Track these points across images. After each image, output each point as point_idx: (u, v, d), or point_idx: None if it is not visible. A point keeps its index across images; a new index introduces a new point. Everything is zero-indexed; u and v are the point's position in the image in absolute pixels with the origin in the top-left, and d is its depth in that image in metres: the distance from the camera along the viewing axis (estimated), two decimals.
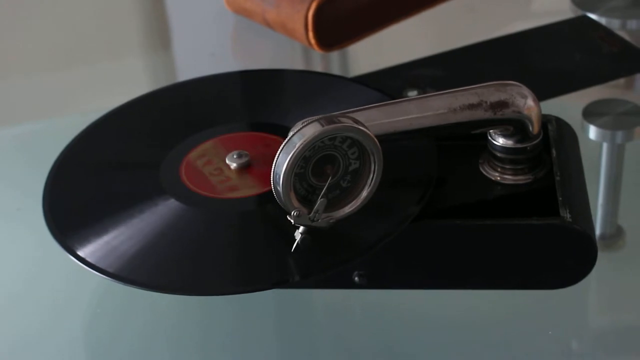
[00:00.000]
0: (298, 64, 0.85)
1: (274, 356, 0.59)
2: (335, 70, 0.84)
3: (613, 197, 0.67)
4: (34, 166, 0.72)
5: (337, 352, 0.60)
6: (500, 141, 0.59)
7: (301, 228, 0.54)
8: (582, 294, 0.60)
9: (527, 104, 0.57)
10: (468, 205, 0.59)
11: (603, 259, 0.58)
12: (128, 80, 0.85)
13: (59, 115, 0.82)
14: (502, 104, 0.57)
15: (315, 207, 0.54)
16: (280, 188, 0.53)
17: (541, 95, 0.59)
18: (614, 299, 0.62)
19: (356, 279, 0.58)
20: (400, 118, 0.56)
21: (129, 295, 0.59)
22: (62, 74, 0.87)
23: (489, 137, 0.59)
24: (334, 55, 0.83)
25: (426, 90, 0.68)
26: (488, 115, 0.57)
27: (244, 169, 0.60)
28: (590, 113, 0.69)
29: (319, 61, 0.85)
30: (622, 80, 0.77)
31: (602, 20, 0.79)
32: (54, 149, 0.64)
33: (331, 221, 0.55)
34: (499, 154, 0.59)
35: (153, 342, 0.60)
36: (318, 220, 0.54)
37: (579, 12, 0.80)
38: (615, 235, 0.66)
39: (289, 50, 0.85)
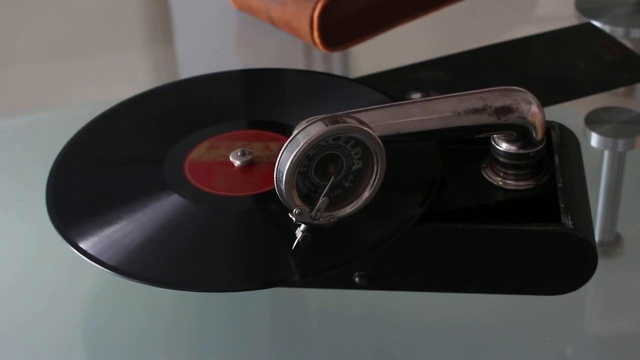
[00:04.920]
0: (299, 63, 0.85)
1: (271, 354, 0.59)
2: (337, 70, 0.84)
3: (612, 205, 0.67)
4: (35, 157, 0.72)
5: (334, 352, 0.60)
6: (503, 146, 0.59)
7: (302, 226, 0.54)
8: (580, 300, 0.60)
9: (532, 110, 0.57)
10: (470, 209, 0.59)
11: (601, 265, 0.58)
12: (130, 74, 0.85)
13: (60, 107, 0.81)
14: (507, 110, 0.57)
15: (317, 205, 0.54)
16: (283, 186, 0.53)
17: (543, 101, 0.59)
18: (612, 306, 0.62)
19: (357, 279, 0.58)
20: (405, 120, 0.56)
21: (129, 289, 0.59)
22: (65, 65, 0.87)
23: (492, 142, 0.59)
24: (335, 55, 0.83)
25: (429, 93, 0.68)
26: (492, 120, 0.57)
27: (247, 166, 0.60)
28: (593, 120, 0.69)
29: (321, 61, 0.84)
30: (623, 88, 0.77)
31: (606, 28, 0.79)
32: (54, 140, 0.64)
33: (332, 220, 0.55)
34: (501, 159, 0.59)
35: (150, 336, 0.60)
36: (319, 219, 0.54)
37: (583, 20, 0.80)
38: (613, 242, 0.66)
39: (290, 48, 0.85)
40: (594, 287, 0.59)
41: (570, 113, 0.72)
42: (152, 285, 0.54)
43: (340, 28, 0.80)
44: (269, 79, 0.68)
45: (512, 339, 0.59)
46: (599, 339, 0.60)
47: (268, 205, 0.57)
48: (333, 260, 0.54)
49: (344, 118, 0.54)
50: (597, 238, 0.63)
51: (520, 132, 0.58)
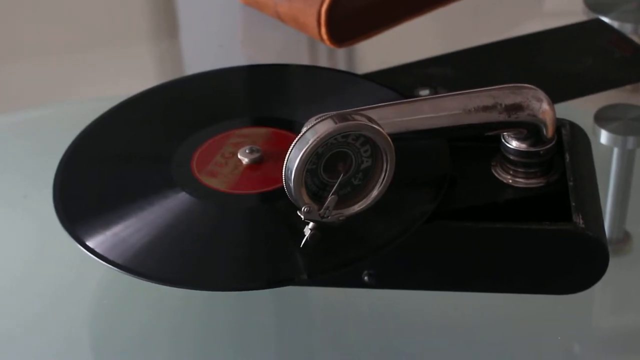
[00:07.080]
0: (303, 59, 0.85)
1: (277, 353, 0.59)
2: (342, 66, 0.84)
3: (621, 202, 0.67)
4: (40, 153, 0.72)
5: (341, 351, 0.59)
6: (513, 144, 0.59)
7: (311, 224, 0.54)
8: (589, 298, 0.60)
9: (542, 107, 0.57)
10: (479, 207, 0.58)
11: (610, 263, 0.58)
12: (134, 69, 0.85)
13: (64, 103, 0.81)
14: (517, 107, 0.57)
15: (326, 203, 0.54)
16: (291, 183, 0.53)
17: (551, 98, 0.59)
18: (620, 304, 0.62)
19: (365, 278, 0.58)
20: (414, 117, 0.56)
21: (135, 287, 0.59)
22: (69, 61, 0.87)
23: (503, 140, 0.59)
24: (341, 51, 0.83)
25: (438, 90, 0.68)
26: (502, 117, 0.57)
27: (256, 164, 0.59)
28: (602, 118, 0.68)
29: (326, 56, 0.84)
30: (631, 85, 0.76)
31: (615, 24, 0.78)
32: (59, 136, 0.64)
33: (341, 218, 0.54)
34: (512, 157, 0.59)
35: (157, 334, 0.60)
36: (328, 217, 0.54)
37: (592, 15, 0.79)
38: (622, 240, 0.65)
39: (295, 44, 0.85)
40: (603, 285, 0.59)
41: (578, 110, 0.71)
42: (160, 284, 0.54)
43: (347, 23, 0.80)
44: (277, 75, 0.68)
45: (522, 338, 0.59)
46: (608, 337, 0.60)
47: (276, 203, 0.57)
48: (342, 259, 0.54)
49: (353, 115, 0.53)
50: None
51: (530, 129, 0.58)
